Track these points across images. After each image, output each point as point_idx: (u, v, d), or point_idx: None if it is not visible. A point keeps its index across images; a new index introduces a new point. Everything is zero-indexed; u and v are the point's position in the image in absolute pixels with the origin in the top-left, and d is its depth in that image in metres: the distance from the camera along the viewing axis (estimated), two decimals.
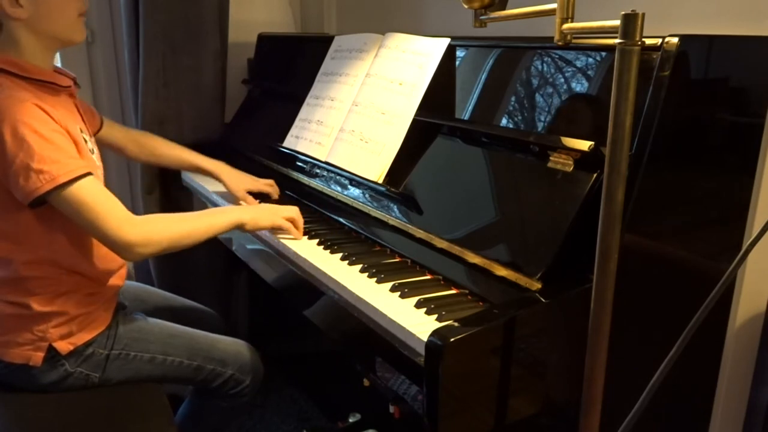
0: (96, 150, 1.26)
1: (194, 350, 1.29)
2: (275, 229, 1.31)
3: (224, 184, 1.53)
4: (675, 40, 0.92)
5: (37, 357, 1.13)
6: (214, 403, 1.39)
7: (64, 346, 1.15)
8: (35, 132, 1.03)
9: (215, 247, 1.52)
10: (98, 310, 1.21)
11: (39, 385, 1.16)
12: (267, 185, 1.55)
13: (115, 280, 1.25)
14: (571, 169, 0.99)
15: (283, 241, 1.30)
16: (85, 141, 1.18)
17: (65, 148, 1.06)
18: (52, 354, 1.15)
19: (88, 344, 1.19)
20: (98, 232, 1.07)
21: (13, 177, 1.04)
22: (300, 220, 1.32)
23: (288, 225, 1.30)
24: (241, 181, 1.53)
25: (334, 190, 1.43)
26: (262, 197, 1.55)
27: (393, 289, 1.04)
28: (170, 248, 1.15)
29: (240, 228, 1.26)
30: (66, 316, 1.15)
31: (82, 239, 1.16)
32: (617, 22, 0.72)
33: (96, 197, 1.07)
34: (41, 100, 1.08)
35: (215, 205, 1.61)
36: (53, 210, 1.07)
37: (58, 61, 1.75)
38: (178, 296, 1.55)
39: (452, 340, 0.82)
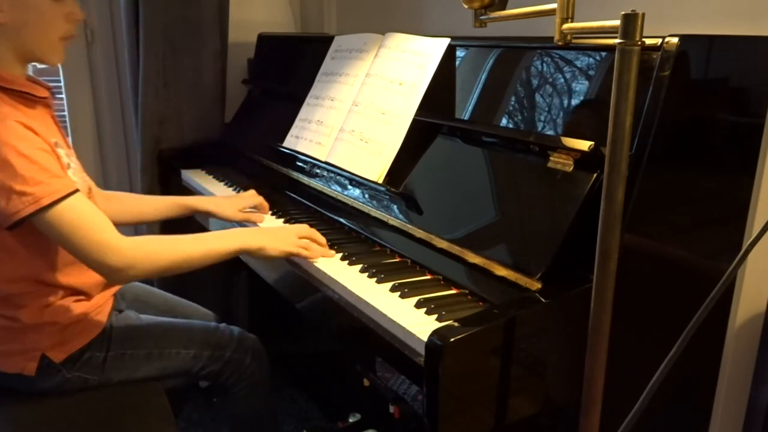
0: (74, 163, 1.18)
1: (189, 339, 1.27)
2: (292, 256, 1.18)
3: (217, 216, 1.43)
4: (675, 40, 0.91)
5: (31, 367, 1.11)
6: (226, 401, 1.37)
7: (57, 355, 1.13)
8: (18, 152, 0.98)
9: None
10: (91, 315, 1.18)
11: (37, 390, 1.15)
12: (252, 197, 1.47)
13: (110, 286, 1.23)
14: (571, 169, 0.99)
15: None
16: (62, 155, 1.11)
17: (49, 167, 1.01)
18: (46, 362, 1.13)
19: (83, 350, 1.17)
20: (80, 256, 1.03)
21: None
22: (317, 235, 1.21)
23: (304, 250, 1.17)
24: (229, 205, 1.43)
25: (334, 190, 1.43)
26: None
27: (393, 289, 1.04)
28: (161, 274, 1.09)
29: (247, 254, 1.18)
30: (57, 325, 1.13)
31: (68, 256, 1.09)
32: (617, 22, 0.72)
33: (80, 219, 1.01)
34: (19, 112, 1.04)
35: None
36: (35, 230, 1.02)
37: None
38: (178, 297, 1.54)
39: (452, 340, 0.81)
